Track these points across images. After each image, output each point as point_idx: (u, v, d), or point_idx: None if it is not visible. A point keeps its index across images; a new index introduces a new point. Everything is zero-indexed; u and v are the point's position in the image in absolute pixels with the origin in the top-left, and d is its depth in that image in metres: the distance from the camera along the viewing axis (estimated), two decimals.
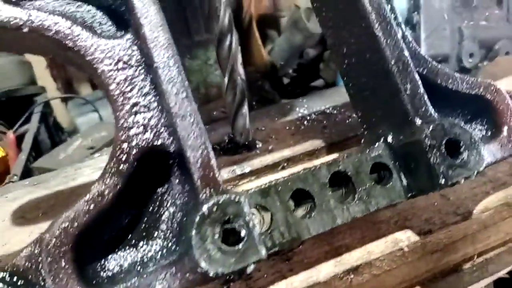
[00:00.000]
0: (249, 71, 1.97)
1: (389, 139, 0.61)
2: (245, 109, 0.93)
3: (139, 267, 0.54)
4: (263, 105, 1.71)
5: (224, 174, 0.86)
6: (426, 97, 0.58)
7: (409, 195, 0.60)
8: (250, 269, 0.46)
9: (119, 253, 0.55)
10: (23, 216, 0.86)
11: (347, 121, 0.99)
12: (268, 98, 1.87)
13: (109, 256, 0.55)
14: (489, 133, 0.68)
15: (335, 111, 1.05)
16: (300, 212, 0.61)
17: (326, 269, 0.61)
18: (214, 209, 0.46)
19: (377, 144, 0.62)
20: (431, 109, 0.58)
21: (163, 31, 0.54)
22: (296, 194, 0.60)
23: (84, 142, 1.50)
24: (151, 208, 0.57)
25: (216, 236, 0.45)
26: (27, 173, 1.44)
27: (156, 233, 0.57)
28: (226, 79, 0.88)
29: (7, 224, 0.84)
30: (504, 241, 0.74)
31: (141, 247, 0.56)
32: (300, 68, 2.18)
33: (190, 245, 0.45)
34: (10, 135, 1.54)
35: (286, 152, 0.91)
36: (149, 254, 0.55)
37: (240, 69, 1.80)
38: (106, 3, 0.62)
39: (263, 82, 2.02)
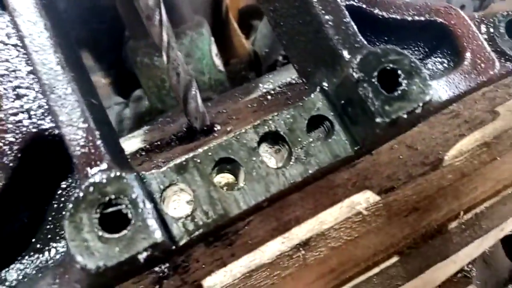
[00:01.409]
0: (232, 63, 1.89)
1: (324, 85, 0.52)
2: (194, 90, 0.85)
3: (41, 272, 0.46)
4: None
5: None
6: (353, 25, 0.48)
7: (357, 147, 0.50)
8: (142, 256, 0.38)
9: (22, 260, 0.48)
10: None
11: None
12: None
13: (11, 266, 0.47)
14: (452, 64, 0.58)
15: (300, 81, 0.96)
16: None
17: (271, 248, 0.52)
18: (90, 189, 0.38)
19: (312, 94, 0.52)
20: (361, 38, 0.48)
21: None
22: (224, 163, 0.51)
23: None
24: (56, 204, 0.50)
25: (95, 222, 0.37)
26: None
27: (63, 233, 0.49)
28: (165, 59, 0.80)
29: None
30: (495, 190, 0.63)
31: (48, 251, 0.48)
32: None
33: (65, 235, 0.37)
34: None
35: None
36: (56, 257, 0.48)
37: (216, 60, 1.71)
38: None
39: (247, 72, 1.94)
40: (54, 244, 0.49)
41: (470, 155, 0.58)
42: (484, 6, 1.76)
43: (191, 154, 0.49)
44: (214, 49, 1.64)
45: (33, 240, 0.49)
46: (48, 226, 0.49)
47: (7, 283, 0.46)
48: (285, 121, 0.51)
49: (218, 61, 1.65)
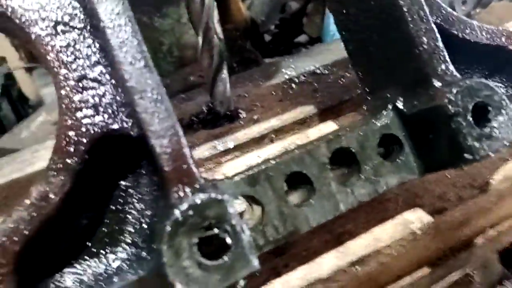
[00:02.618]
0: (227, 29, 1.80)
1: (400, 105, 0.51)
2: (225, 73, 0.81)
3: (103, 282, 0.44)
4: (245, 67, 1.58)
5: (205, 151, 0.75)
6: (445, 52, 0.47)
7: (425, 171, 0.51)
8: (240, 285, 0.37)
9: (77, 265, 0.45)
10: None
11: (341, 82, 0.88)
12: (250, 59, 1.73)
13: (65, 270, 0.44)
14: (510, 91, 0.59)
15: (326, 71, 0.94)
16: (295, 197, 0.51)
17: (328, 262, 0.52)
18: (190, 213, 0.36)
19: (384, 112, 0.51)
20: (452, 68, 0.47)
21: None
22: (290, 177, 0.50)
23: (49, 117, 1.35)
24: (114, 206, 0.47)
25: (194, 248, 0.35)
26: None
27: (122, 237, 0.46)
28: (200, 40, 0.75)
29: None
30: None
31: (104, 256, 0.45)
32: (282, 23, 2.03)
33: (162, 259, 0.35)
34: None
35: (274, 122, 0.80)
36: (115, 265, 0.45)
37: (217, 28, 1.64)
38: None
39: (243, 41, 1.87)
40: (112, 249, 0.46)
41: None
42: (483, 3, 1.78)
43: (262, 166, 0.48)
44: (216, 15, 1.56)
45: (89, 244, 0.46)
46: (104, 229, 0.46)
47: None
48: (357, 138, 0.50)
49: (218, 29, 1.58)
